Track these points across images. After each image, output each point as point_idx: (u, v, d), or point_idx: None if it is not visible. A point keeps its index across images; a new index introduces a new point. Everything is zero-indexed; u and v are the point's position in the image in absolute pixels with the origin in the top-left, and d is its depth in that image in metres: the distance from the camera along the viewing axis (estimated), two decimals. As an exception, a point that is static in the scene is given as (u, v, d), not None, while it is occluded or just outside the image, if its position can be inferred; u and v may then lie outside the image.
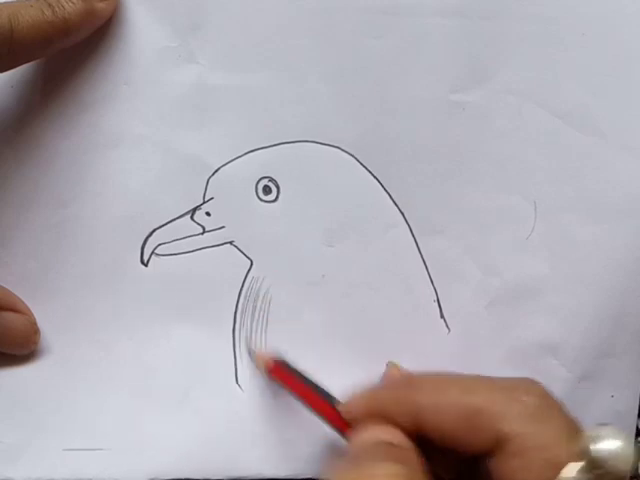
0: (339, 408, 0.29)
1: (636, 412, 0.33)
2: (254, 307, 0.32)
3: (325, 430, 0.32)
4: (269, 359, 0.31)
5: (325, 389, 0.30)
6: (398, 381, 0.30)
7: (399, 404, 0.27)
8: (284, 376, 0.31)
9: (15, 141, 0.31)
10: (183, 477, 0.32)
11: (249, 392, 0.32)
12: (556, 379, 0.32)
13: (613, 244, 0.32)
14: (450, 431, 0.26)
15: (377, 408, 0.28)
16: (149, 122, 0.31)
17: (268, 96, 0.31)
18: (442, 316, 0.33)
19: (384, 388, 0.30)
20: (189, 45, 0.31)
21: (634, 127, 0.32)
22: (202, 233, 0.32)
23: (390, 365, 0.32)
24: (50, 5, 0.28)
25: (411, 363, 0.32)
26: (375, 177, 0.32)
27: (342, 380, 0.32)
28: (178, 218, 0.32)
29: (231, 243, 0.32)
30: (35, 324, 0.32)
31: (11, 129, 0.31)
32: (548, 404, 0.26)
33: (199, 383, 0.32)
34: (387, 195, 0.32)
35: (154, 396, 0.32)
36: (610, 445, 0.22)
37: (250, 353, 0.32)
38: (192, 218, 0.32)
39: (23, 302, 0.32)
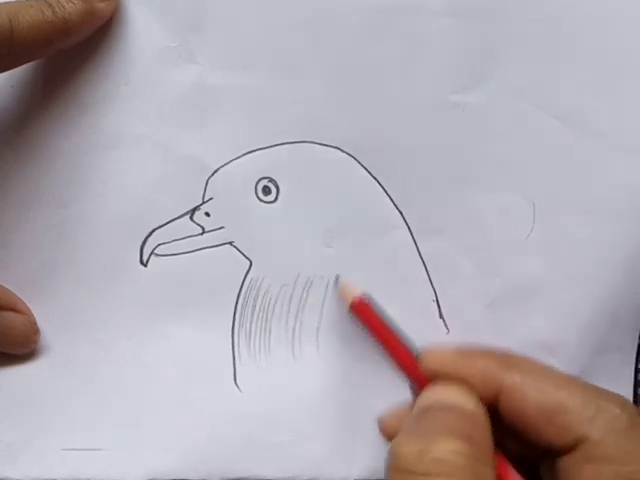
0: (419, 358, 0.28)
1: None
2: (253, 308, 0.32)
3: (324, 430, 0.32)
4: (356, 294, 0.31)
5: (408, 338, 0.30)
6: (492, 352, 0.29)
7: (486, 374, 0.27)
8: (367, 315, 0.30)
9: (15, 141, 0.31)
10: (182, 477, 0.32)
11: (248, 392, 0.32)
12: None
13: (611, 244, 0.32)
14: (531, 420, 0.26)
15: (461, 371, 0.27)
16: (149, 122, 0.31)
17: (268, 96, 0.31)
18: (441, 316, 0.33)
19: (474, 353, 0.29)
20: (189, 45, 0.31)
21: (633, 128, 0.32)
22: (201, 233, 0.32)
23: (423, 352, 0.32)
24: (50, 5, 0.28)
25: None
26: (374, 177, 0.32)
27: (342, 380, 0.32)
28: (177, 218, 0.32)
29: (230, 244, 0.32)
30: (35, 324, 0.32)
31: (11, 129, 0.31)
32: (638, 423, 0.26)
33: (198, 383, 0.32)
34: (386, 195, 0.32)
35: (153, 396, 0.32)
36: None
37: (336, 281, 0.32)
38: (191, 218, 0.32)
39: (23, 302, 0.32)
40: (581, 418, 0.25)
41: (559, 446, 0.26)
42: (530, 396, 0.26)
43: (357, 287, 0.31)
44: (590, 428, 0.25)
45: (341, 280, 0.32)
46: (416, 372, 0.28)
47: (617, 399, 0.27)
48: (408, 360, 0.29)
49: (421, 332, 0.32)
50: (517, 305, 0.32)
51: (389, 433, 0.30)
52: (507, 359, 0.28)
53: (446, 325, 0.33)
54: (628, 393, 0.33)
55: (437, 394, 0.27)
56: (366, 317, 0.30)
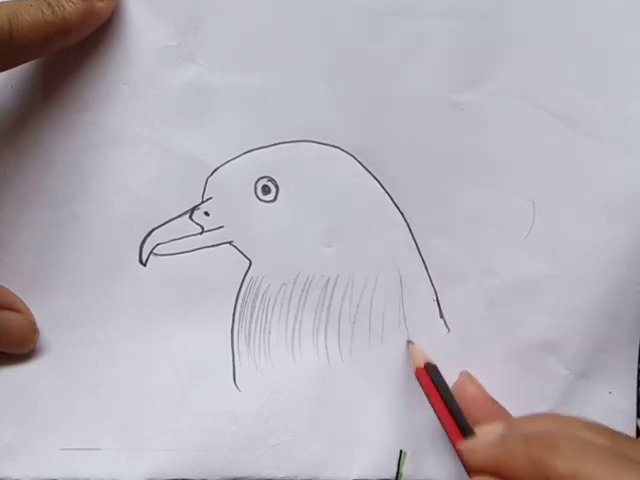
0: (461, 447, 0.27)
1: (634, 409, 0.33)
2: (253, 307, 0.32)
3: (324, 431, 0.32)
4: (422, 360, 0.31)
5: (461, 413, 0.29)
6: (530, 435, 0.26)
7: (533, 465, 0.25)
8: (428, 383, 0.30)
9: (14, 141, 0.31)
10: (181, 477, 0.31)
11: (247, 392, 0.32)
12: (555, 377, 0.32)
13: (611, 243, 0.32)
14: None
15: (504, 464, 0.25)
16: (148, 122, 0.31)
17: (267, 96, 0.31)
18: (442, 316, 0.33)
19: (514, 439, 0.26)
20: (188, 45, 0.31)
21: (632, 127, 0.32)
22: (201, 233, 0.32)
23: (463, 375, 0.32)
24: (50, 5, 0.28)
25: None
26: (374, 177, 0.32)
27: (341, 381, 0.32)
28: (177, 218, 0.32)
29: (230, 243, 0.32)
30: (34, 323, 0.32)
31: (11, 129, 0.31)
32: None
33: (197, 383, 0.32)
34: (386, 195, 0.32)
35: (152, 396, 0.32)
36: None
37: (407, 344, 0.32)
38: (191, 218, 0.32)
39: (22, 301, 0.32)
40: None
41: None
42: None
43: (424, 355, 0.31)
44: None
45: (413, 346, 0.32)
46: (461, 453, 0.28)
47: None
48: (456, 437, 0.29)
49: (422, 331, 0.33)
50: (517, 304, 0.32)
51: None
52: (551, 441, 0.25)
53: (446, 324, 0.33)
54: (630, 394, 0.33)
55: None
56: (426, 385, 0.30)
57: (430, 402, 0.30)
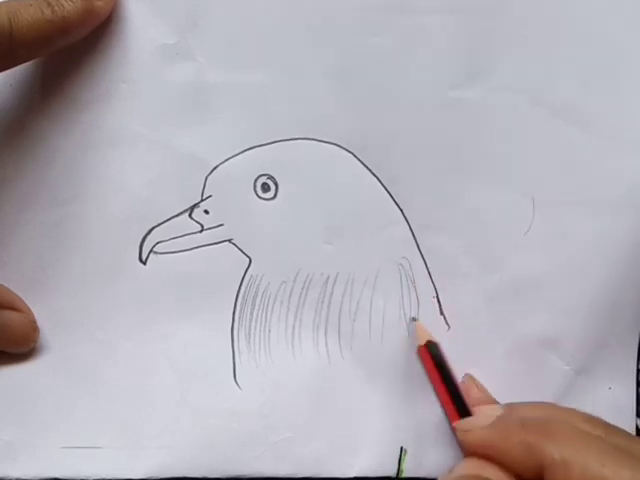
0: (457, 426, 0.28)
1: (634, 405, 0.33)
2: (253, 305, 0.32)
3: (324, 428, 0.32)
4: (424, 338, 0.31)
5: (460, 393, 0.30)
6: (531, 421, 0.27)
7: (526, 449, 0.25)
8: (428, 362, 0.30)
9: (14, 140, 0.31)
10: (181, 475, 0.31)
11: (247, 390, 0.32)
12: (555, 373, 0.32)
13: (610, 238, 0.32)
14: None
15: (499, 448, 0.26)
16: (147, 120, 0.31)
17: (266, 93, 0.32)
18: (442, 313, 0.33)
19: (512, 425, 0.27)
20: (187, 42, 0.31)
21: (630, 122, 0.32)
22: (200, 231, 0.32)
23: (467, 378, 0.32)
24: (49, 4, 0.28)
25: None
26: (374, 174, 0.32)
27: (341, 379, 0.32)
28: (176, 216, 0.32)
29: (230, 241, 0.32)
30: (34, 322, 0.32)
31: (10, 128, 0.31)
32: None
33: (197, 381, 0.32)
34: (386, 192, 0.32)
35: (152, 394, 0.32)
36: None
37: (411, 321, 0.32)
38: (190, 216, 0.32)
39: (22, 300, 0.32)
40: None
41: None
42: (575, 473, 0.24)
43: (427, 332, 0.31)
44: None
45: (416, 323, 0.32)
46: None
47: None
48: (453, 417, 0.29)
49: (422, 329, 0.33)
50: (517, 301, 0.32)
51: None
52: (547, 428, 0.26)
53: (447, 322, 0.33)
54: (630, 390, 0.33)
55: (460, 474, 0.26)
56: (426, 364, 0.31)
57: (430, 381, 0.30)
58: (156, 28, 0.31)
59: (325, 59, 0.31)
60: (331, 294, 0.32)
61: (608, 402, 0.33)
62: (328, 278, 0.32)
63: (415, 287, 0.32)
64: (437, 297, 0.32)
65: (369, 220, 0.32)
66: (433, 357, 0.30)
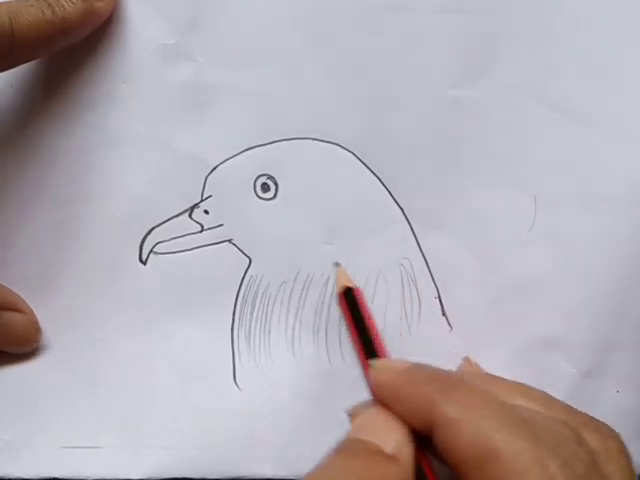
0: (370, 367, 0.27)
1: (643, 409, 0.32)
2: (253, 306, 0.32)
3: (324, 429, 0.32)
4: (345, 284, 0.31)
5: (376, 340, 0.29)
6: (440, 374, 0.26)
7: (422, 402, 0.24)
8: (345, 307, 0.30)
9: (15, 140, 0.31)
10: (181, 475, 0.31)
11: (247, 391, 0.32)
12: (561, 375, 0.32)
13: (614, 236, 0.31)
14: (461, 462, 0.23)
15: (399, 396, 0.25)
16: (148, 120, 0.31)
17: (266, 93, 0.32)
18: (444, 313, 0.32)
19: (418, 375, 0.26)
20: (187, 43, 0.31)
21: (631, 119, 0.31)
22: (200, 231, 0.32)
23: (466, 361, 0.31)
24: (50, 5, 0.29)
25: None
26: (374, 174, 0.32)
27: (341, 379, 0.32)
28: (176, 216, 0.32)
29: (230, 241, 0.32)
30: (36, 323, 0.32)
31: (11, 128, 0.31)
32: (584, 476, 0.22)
33: (197, 382, 0.32)
34: (387, 191, 0.32)
35: (153, 394, 0.32)
36: None
37: (334, 265, 0.32)
38: (190, 216, 0.32)
39: (24, 301, 0.32)
40: (511, 470, 0.22)
41: None
42: (464, 435, 0.23)
43: (348, 279, 0.31)
44: None
45: (338, 269, 0.32)
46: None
47: (570, 454, 0.23)
48: (366, 362, 0.28)
49: (424, 330, 0.32)
50: (520, 301, 0.32)
51: None
52: (451, 385, 0.25)
53: (449, 322, 0.32)
54: (638, 393, 0.32)
55: (359, 428, 0.25)
56: (346, 310, 0.30)
57: (347, 327, 0.30)
58: (156, 28, 0.31)
59: (325, 58, 0.31)
60: (331, 294, 0.32)
61: (615, 406, 0.32)
62: (328, 278, 0.32)
63: (416, 287, 0.32)
64: (439, 297, 0.32)
65: (369, 220, 0.32)
66: (348, 303, 0.30)
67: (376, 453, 0.24)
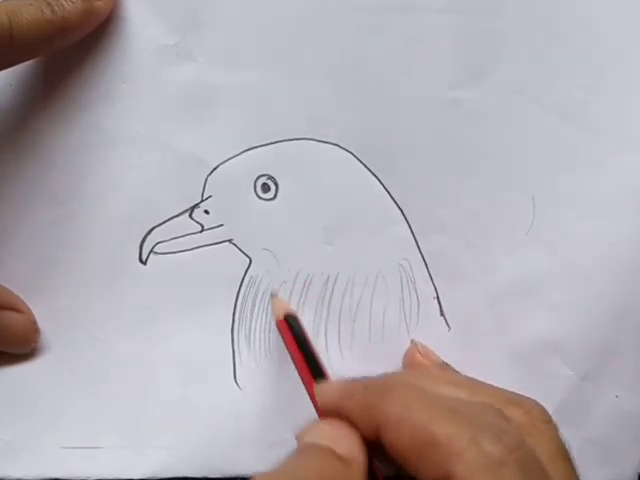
0: (316, 388, 0.28)
1: (643, 413, 0.32)
2: (253, 305, 0.32)
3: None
4: (283, 311, 0.31)
5: (320, 362, 0.29)
6: (376, 381, 0.27)
7: (365, 408, 0.25)
8: (286, 333, 0.30)
9: (14, 140, 0.31)
10: (181, 475, 0.31)
11: (247, 390, 0.32)
12: (559, 378, 0.32)
13: (613, 238, 0.32)
14: (406, 455, 0.24)
15: (343, 406, 0.26)
16: (147, 120, 0.31)
17: (266, 94, 0.31)
18: (442, 314, 0.33)
19: (356, 384, 0.27)
20: (187, 43, 0.31)
21: (630, 122, 0.31)
22: (201, 231, 0.32)
23: (412, 344, 0.32)
24: (49, 4, 0.28)
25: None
26: (374, 174, 0.32)
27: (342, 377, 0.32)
28: (177, 216, 0.32)
29: (230, 241, 0.32)
30: (35, 323, 0.32)
31: (10, 128, 0.31)
32: (508, 461, 0.23)
33: (197, 381, 0.32)
34: (386, 192, 0.32)
35: (153, 394, 0.32)
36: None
37: (271, 296, 0.32)
38: (191, 216, 0.32)
39: (23, 301, 0.32)
40: (449, 453, 0.23)
41: None
42: (404, 430, 0.24)
43: (286, 305, 0.32)
44: (456, 465, 0.23)
45: (275, 298, 0.32)
46: (314, 397, 0.28)
47: (499, 430, 0.24)
48: (310, 384, 0.29)
49: (422, 330, 0.33)
50: (519, 302, 0.32)
51: None
52: (389, 388, 0.26)
53: (447, 323, 0.33)
54: (638, 398, 0.32)
55: (311, 435, 0.26)
56: (286, 337, 0.30)
57: (289, 353, 0.30)
58: (156, 28, 0.31)
59: (325, 59, 0.31)
60: (331, 294, 0.32)
61: (615, 410, 0.32)
62: (328, 278, 0.32)
63: (415, 288, 0.32)
64: (437, 298, 0.32)
65: (369, 220, 0.32)
66: (291, 330, 0.30)
67: (331, 454, 0.25)
